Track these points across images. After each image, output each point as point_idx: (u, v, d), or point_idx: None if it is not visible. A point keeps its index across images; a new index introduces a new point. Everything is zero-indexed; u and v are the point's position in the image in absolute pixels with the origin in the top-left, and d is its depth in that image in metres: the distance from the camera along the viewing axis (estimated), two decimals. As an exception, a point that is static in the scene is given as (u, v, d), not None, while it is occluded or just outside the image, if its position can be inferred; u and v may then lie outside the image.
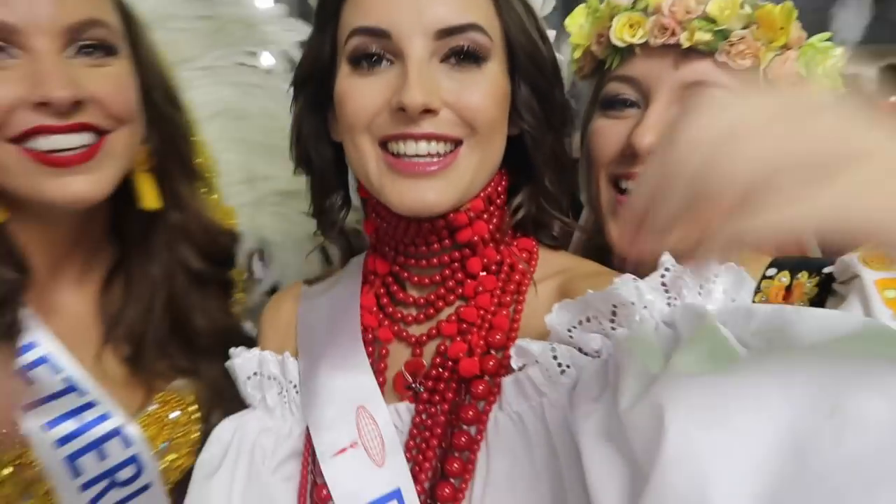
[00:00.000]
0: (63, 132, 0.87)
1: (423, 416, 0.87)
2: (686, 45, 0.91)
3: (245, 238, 1.25)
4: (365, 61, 0.82)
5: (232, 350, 0.98)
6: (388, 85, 0.81)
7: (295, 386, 0.95)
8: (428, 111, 0.79)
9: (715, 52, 0.92)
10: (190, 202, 1.09)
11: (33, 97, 0.86)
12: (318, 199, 0.97)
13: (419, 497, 0.84)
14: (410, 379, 0.90)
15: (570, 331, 0.78)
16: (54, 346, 0.97)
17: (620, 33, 0.95)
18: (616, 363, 0.73)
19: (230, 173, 1.30)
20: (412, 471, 0.85)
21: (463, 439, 0.83)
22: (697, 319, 0.69)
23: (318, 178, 0.96)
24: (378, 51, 0.81)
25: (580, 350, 0.78)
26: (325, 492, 0.86)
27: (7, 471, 0.90)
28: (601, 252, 0.97)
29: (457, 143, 0.82)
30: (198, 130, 1.17)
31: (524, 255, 0.92)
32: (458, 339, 0.88)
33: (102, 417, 0.97)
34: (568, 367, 0.78)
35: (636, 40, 0.94)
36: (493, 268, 0.90)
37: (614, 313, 0.75)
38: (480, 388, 0.84)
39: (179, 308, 1.07)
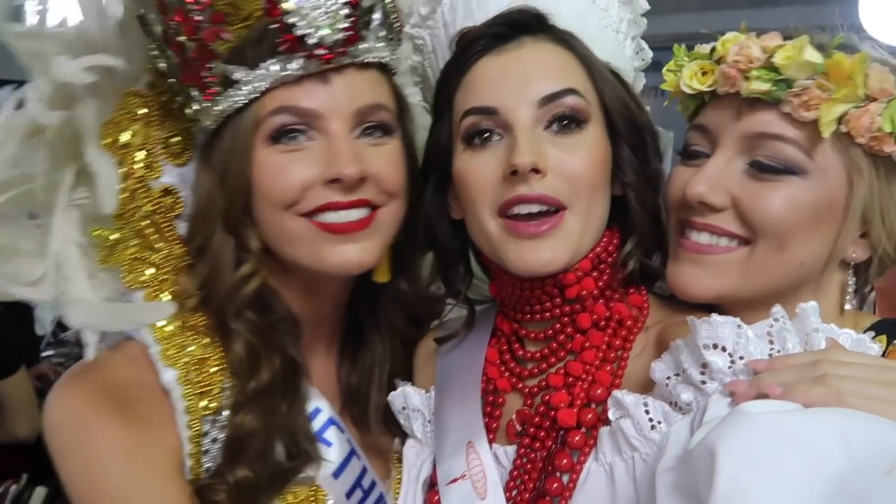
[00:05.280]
0: (347, 208, 0.95)
1: (524, 460, 0.95)
2: (745, 94, 0.89)
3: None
4: (477, 138, 0.93)
5: (396, 382, 1.11)
6: (499, 158, 0.91)
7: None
8: (536, 171, 0.88)
9: (779, 102, 0.87)
10: (416, 273, 1.14)
11: (327, 174, 0.93)
12: (444, 271, 1.08)
13: None
14: (519, 427, 0.98)
15: (667, 383, 0.83)
16: (332, 410, 1.06)
17: (690, 80, 0.95)
18: (701, 416, 0.75)
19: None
20: None
21: (555, 485, 0.90)
22: None
23: (442, 252, 1.07)
24: (488, 126, 0.92)
25: (675, 403, 0.82)
26: None
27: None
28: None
29: (561, 206, 0.90)
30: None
31: (634, 311, 0.97)
32: (563, 390, 0.95)
33: (373, 484, 1.07)
34: (659, 422, 0.83)
35: (704, 87, 0.94)
36: (602, 323, 0.96)
37: (704, 364, 0.78)
38: (576, 438, 0.90)
39: (394, 373, 1.15)
